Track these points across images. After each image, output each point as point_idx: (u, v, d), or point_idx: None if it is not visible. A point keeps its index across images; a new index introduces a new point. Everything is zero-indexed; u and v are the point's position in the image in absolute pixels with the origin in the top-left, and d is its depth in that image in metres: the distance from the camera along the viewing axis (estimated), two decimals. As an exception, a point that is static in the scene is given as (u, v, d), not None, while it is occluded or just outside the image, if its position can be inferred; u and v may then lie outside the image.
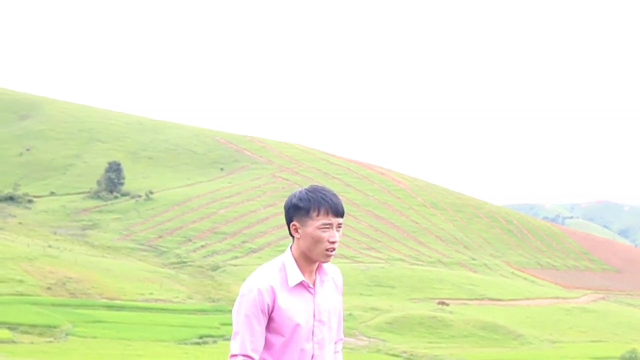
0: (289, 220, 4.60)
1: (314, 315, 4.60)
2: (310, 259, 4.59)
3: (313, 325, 4.60)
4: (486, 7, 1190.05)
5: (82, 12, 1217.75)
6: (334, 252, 4.55)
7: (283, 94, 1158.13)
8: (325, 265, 4.73)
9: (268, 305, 4.47)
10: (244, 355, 4.46)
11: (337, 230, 4.55)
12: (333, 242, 4.53)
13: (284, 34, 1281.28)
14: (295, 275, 4.55)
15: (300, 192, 4.60)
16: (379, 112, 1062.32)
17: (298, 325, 4.52)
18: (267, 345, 4.54)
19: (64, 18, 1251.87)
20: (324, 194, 4.54)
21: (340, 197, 4.62)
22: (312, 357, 4.61)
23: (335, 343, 4.86)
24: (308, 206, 4.50)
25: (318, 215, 4.49)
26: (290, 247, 4.65)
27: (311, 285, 4.63)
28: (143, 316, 69.31)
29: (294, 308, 4.53)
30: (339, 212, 4.53)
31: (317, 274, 4.68)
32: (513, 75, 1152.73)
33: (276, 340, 4.53)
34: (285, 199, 4.60)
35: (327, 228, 4.51)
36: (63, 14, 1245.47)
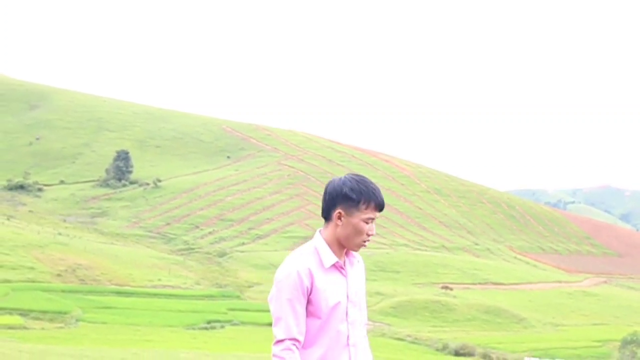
0: (332, 205, 4.63)
1: (347, 296, 4.64)
2: (343, 246, 4.67)
3: (347, 307, 4.63)
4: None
5: (91, 3, 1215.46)
6: (367, 244, 4.66)
7: (289, 83, 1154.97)
8: None
9: (307, 288, 4.51)
10: (291, 339, 4.46)
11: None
12: (370, 235, 4.64)
13: (289, 25, 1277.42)
14: (330, 256, 4.61)
15: (350, 181, 4.62)
16: (384, 100, 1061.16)
17: (334, 306, 4.56)
18: None
19: (73, 10, 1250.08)
20: (374, 189, 4.61)
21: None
22: (348, 338, 4.62)
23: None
24: (359, 198, 4.55)
25: (367, 208, 4.56)
26: (320, 232, 4.72)
27: (343, 267, 4.70)
28: (152, 302, 69.62)
29: (330, 289, 4.57)
30: (382, 209, 4.65)
31: (345, 256, 4.75)
32: (515, 64, 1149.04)
33: (312, 323, 4.56)
34: (331, 184, 4.68)
35: (370, 222, 4.60)
36: (72, 5, 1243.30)
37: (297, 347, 4.47)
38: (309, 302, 4.51)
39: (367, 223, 4.57)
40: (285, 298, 4.47)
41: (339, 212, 4.57)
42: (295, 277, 4.47)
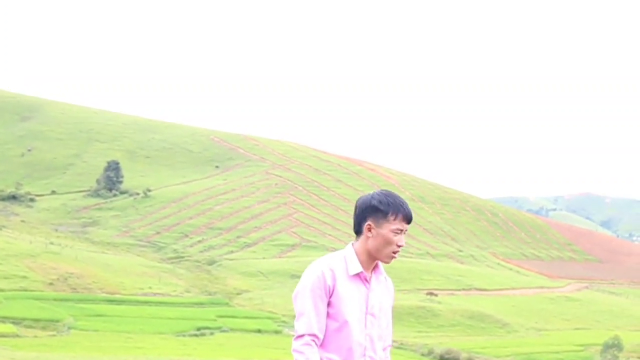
0: (362, 218, 4.73)
1: (367, 308, 4.70)
2: (373, 258, 4.74)
3: (365, 318, 4.69)
4: (464, 27, 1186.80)
5: (81, 16, 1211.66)
6: (397, 255, 4.76)
7: (275, 94, 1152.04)
8: (381, 267, 4.86)
9: (329, 288, 4.59)
10: (310, 335, 4.55)
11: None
12: (400, 246, 4.71)
13: (275, 35, 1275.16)
14: (356, 265, 4.68)
15: (378, 195, 4.75)
16: (369, 109, 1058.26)
17: (352, 313, 4.62)
18: None
19: (64, 22, 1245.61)
20: (402, 202, 4.72)
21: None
22: (365, 349, 4.69)
23: (384, 349, 4.88)
24: (387, 210, 4.66)
25: (395, 219, 4.66)
26: (352, 244, 4.80)
27: (368, 279, 4.75)
28: (142, 310, 70.43)
29: (350, 296, 4.64)
30: (410, 221, 4.74)
31: (372, 272, 4.79)
32: (496, 71, 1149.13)
33: (331, 325, 4.63)
34: (360, 199, 4.78)
35: (399, 233, 4.69)
36: (62, 18, 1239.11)
37: (316, 343, 4.58)
38: (329, 304, 4.62)
39: (396, 234, 4.68)
40: (308, 295, 4.59)
41: (369, 225, 4.69)
42: (320, 274, 4.61)
